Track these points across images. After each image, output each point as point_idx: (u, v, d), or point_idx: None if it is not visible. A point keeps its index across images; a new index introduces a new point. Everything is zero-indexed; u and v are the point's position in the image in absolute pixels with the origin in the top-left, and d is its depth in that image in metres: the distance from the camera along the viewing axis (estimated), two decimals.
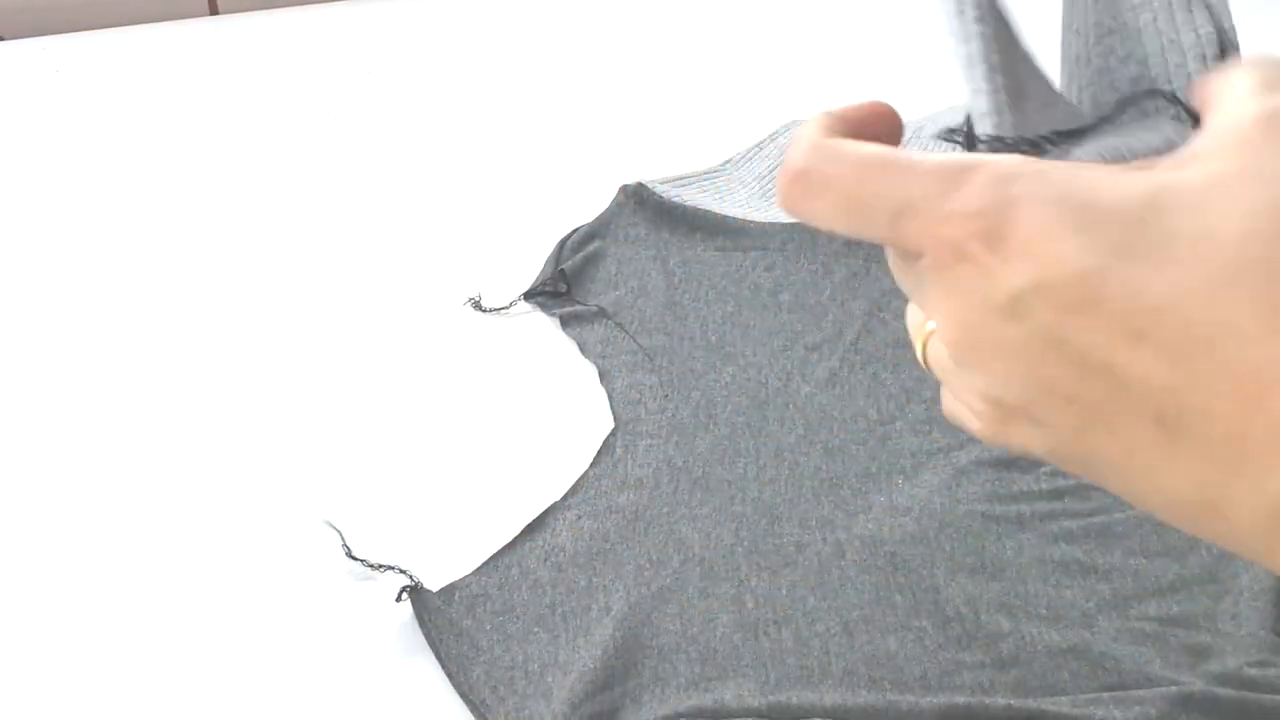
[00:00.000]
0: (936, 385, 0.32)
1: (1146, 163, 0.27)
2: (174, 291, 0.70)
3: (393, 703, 0.48)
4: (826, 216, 0.29)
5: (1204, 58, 0.30)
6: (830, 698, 0.47)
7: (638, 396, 0.61)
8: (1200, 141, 0.26)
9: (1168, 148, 0.28)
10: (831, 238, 0.69)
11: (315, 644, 0.50)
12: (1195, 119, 0.29)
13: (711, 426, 0.59)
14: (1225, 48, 0.30)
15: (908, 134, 0.75)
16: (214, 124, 0.86)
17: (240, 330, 0.67)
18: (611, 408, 0.61)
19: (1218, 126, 0.26)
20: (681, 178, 0.75)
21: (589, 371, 0.64)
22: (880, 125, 0.31)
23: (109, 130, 0.85)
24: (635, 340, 0.64)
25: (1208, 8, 0.30)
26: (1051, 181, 0.26)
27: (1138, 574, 0.51)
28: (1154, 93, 0.30)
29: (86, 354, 0.66)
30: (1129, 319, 0.24)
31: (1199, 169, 0.25)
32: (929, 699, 0.46)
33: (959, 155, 0.27)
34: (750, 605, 0.51)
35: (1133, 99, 0.31)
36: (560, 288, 0.68)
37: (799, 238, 0.70)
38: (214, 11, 1.03)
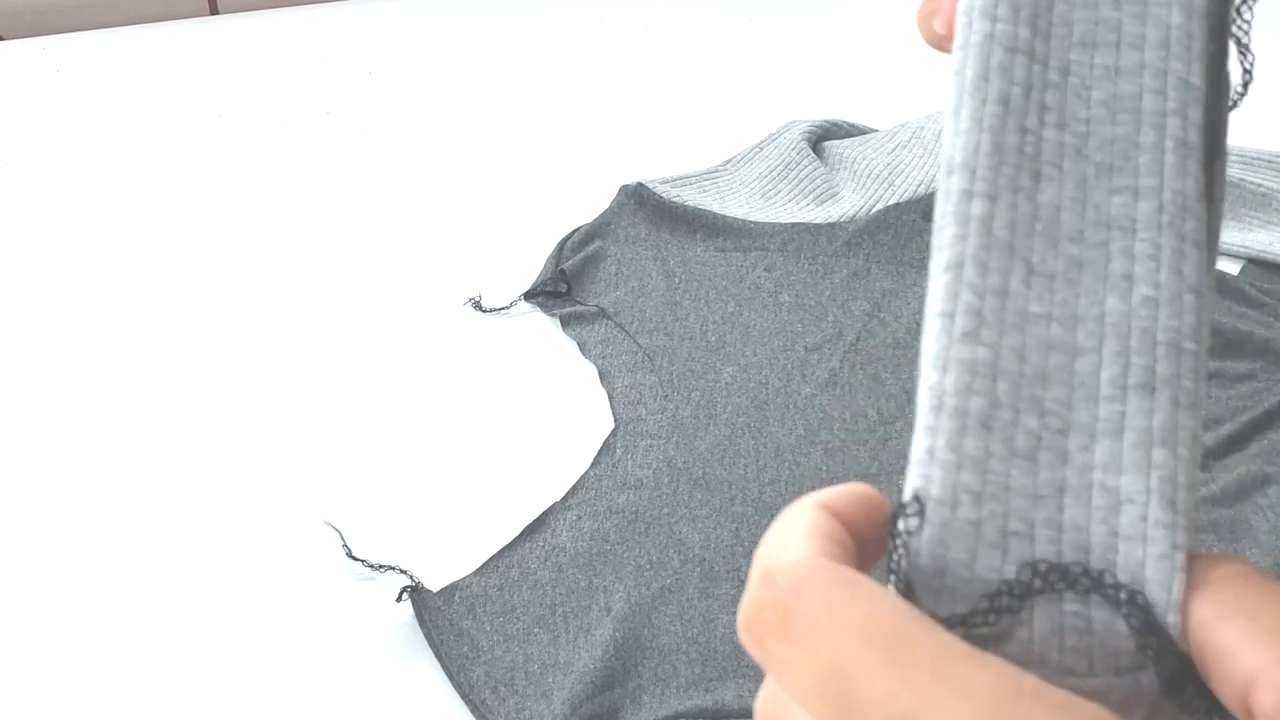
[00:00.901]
0: None
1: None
2: (174, 292, 0.70)
3: (393, 703, 0.48)
4: (788, 668, 0.19)
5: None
6: None
7: (638, 396, 0.61)
8: None
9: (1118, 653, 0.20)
10: (832, 238, 0.69)
11: (315, 644, 0.50)
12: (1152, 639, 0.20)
13: (712, 427, 0.59)
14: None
15: (907, 134, 0.76)
16: (214, 124, 0.86)
17: (240, 331, 0.67)
18: (611, 408, 0.61)
19: None
20: (681, 178, 0.75)
21: (589, 371, 0.64)
22: (863, 521, 0.21)
23: (109, 130, 0.85)
24: (635, 340, 0.64)
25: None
26: None
27: None
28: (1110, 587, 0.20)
29: (87, 355, 0.66)
30: None
31: None
32: None
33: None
34: None
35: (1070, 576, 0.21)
36: (560, 288, 0.68)
37: (799, 238, 0.70)
38: (214, 11, 1.03)
